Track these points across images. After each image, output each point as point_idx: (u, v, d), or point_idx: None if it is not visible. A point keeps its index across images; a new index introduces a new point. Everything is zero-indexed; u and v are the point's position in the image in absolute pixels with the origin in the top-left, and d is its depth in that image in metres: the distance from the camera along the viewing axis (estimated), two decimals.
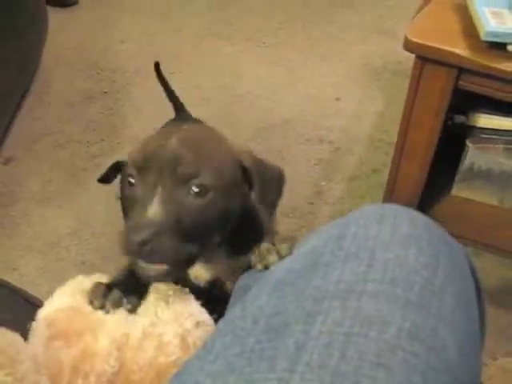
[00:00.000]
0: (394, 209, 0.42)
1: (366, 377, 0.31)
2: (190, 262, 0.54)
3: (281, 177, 0.61)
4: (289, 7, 1.92)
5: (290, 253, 0.51)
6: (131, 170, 0.53)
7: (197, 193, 0.52)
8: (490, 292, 1.04)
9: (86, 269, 1.12)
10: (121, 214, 0.89)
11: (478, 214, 0.97)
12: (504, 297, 1.07)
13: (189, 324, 0.50)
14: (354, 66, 1.66)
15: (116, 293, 0.53)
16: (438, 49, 0.73)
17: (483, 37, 0.71)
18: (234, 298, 0.53)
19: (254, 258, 0.55)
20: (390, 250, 0.38)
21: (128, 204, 0.54)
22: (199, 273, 0.62)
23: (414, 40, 0.74)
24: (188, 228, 0.51)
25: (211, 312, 0.54)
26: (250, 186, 0.58)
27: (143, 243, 0.48)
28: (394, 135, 0.88)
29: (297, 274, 0.39)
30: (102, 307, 0.52)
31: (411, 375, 0.32)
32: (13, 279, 0.65)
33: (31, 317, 0.52)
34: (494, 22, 0.71)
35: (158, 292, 0.53)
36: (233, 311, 0.41)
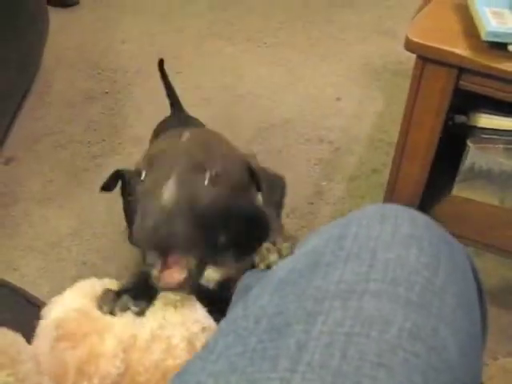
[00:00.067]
0: (394, 209, 0.42)
1: (366, 377, 0.31)
2: (203, 260, 0.54)
3: (283, 181, 0.63)
4: (289, 7, 1.92)
5: (292, 252, 0.52)
6: (142, 168, 0.54)
7: (210, 181, 0.53)
8: (491, 292, 1.04)
9: (87, 269, 1.12)
10: (122, 214, 0.90)
11: (478, 213, 0.97)
12: (505, 297, 1.07)
13: (196, 328, 0.51)
14: (354, 66, 1.66)
15: (125, 298, 0.54)
16: (439, 49, 0.73)
17: (484, 37, 0.71)
18: (236, 297, 0.54)
19: (256, 258, 0.56)
20: (391, 250, 0.38)
21: (138, 200, 0.54)
22: (209, 275, 0.62)
23: (415, 40, 0.74)
24: (201, 217, 0.51)
25: (219, 315, 0.54)
26: (257, 189, 0.59)
27: (159, 228, 0.48)
28: (394, 135, 0.88)
29: (298, 273, 0.39)
30: (111, 313, 0.53)
31: (412, 375, 0.32)
32: (14, 279, 0.65)
33: (32, 317, 0.52)
34: (494, 22, 0.71)
35: (166, 298, 0.54)
36: (235, 311, 0.41)
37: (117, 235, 1.16)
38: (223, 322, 0.42)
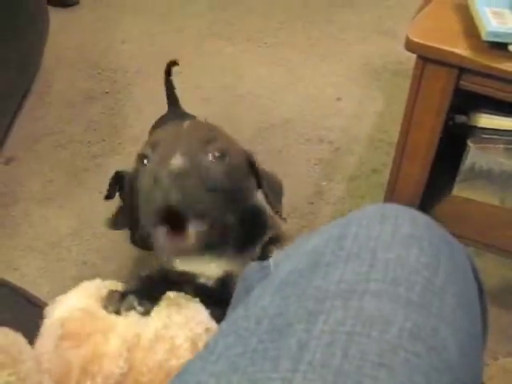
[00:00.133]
0: (395, 209, 0.42)
1: (367, 377, 0.31)
2: (212, 226, 0.54)
3: (281, 182, 0.64)
4: (289, 7, 1.92)
5: None
6: (146, 151, 0.54)
7: (216, 157, 0.54)
8: (491, 292, 1.04)
9: (87, 269, 1.12)
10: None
11: (479, 213, 0.97)
12: (505, 297, 1.07)
13: (199, 329, 0.51)
14: (354, 66, 1.66)
15: (131, 298, 0.54)
16: (439, 49, 0.73)
17: (484, 37, 0.71)
18: (237, 298, 0.54)
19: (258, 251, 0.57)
20: (392, 250, 0.38)
21: (143, 180, 0.54)
22: (209, 269, 0.63)
23: (416, 40, 0.74)
24: (210, 185, 0.52)
25: (219, 313, 0.54)
26: (257, 185, 0.60)
27: (170, 189, 0.48)
28: (394, 135, 0.88)
29: (298, 274, 0.39)
30: (116, 312, 0.53)
31: (413, 375, 0.32)
32: (14, 279, 0.65)
33: (32, 316, 0.52)
34: (495, 22, 0.71)
35: (170, 299, 0.55)
36: (236, 312, 0.41)
37: (117, 235, 1.16)
38: (224, 323, 0.42)
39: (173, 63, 1.12)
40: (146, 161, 0.55)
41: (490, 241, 0.94)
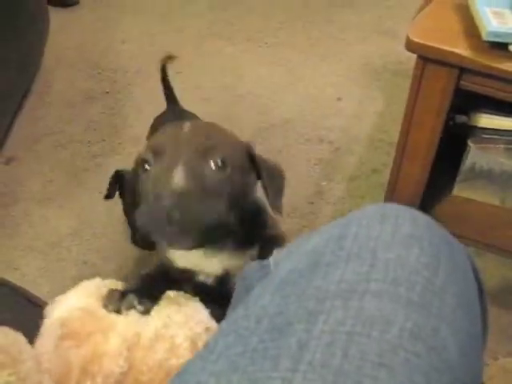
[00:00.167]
0: (395, 208, 0.42)
1: (368, 377, 0.31)
2: (213, 234, 0.55)
3: (282, 172, 0.65)
4: (289, 7, 1.92)
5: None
6: (146, 157, 0.54)
7: (217, 166, 0.54)
8: (491, 292, 1.04)
9: (87, 269, 1.12)
10: (122, 213, 0.89)
11: (479, 213, 0.97)
12: (505, 297, 1.07)
13: (199, 328, 0.51)
14: (354, 65, 1.66)
15: (131, 297, 0.54)
16: (440, 49, 0.73)
17: (485, 37, 0.71)
18: (236, 297, 0.54)
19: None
20: (392, 250, 0.38)
21: (145, 189, 0.54)
22: (209, 266, 0.63)
23: (416, 40, 0.74)
24: (210, 201, 0.52)
25: (219, 311, 0.54)
26: (257, 177, 0.61)
27: (172, 210, 0.48)
28: (394, 135, 0.88)
29: (299, 273, 0.39)
30: (116, 311, 0.53)
31: (413, 375, 0.32)
32: (14, 279, 0.65)
33: (32, 316, 0.52)
34: (495, 22, 0.71)
35: (170, 298, 0.55)
36: (236, 311, 0.41)
37: (117, 235, 1.16)
38: (224, 322, 0.42)
39: (168, 58, 1.12)
40: (147, 165, 0.55)
41: (490, 241, 0.94)
